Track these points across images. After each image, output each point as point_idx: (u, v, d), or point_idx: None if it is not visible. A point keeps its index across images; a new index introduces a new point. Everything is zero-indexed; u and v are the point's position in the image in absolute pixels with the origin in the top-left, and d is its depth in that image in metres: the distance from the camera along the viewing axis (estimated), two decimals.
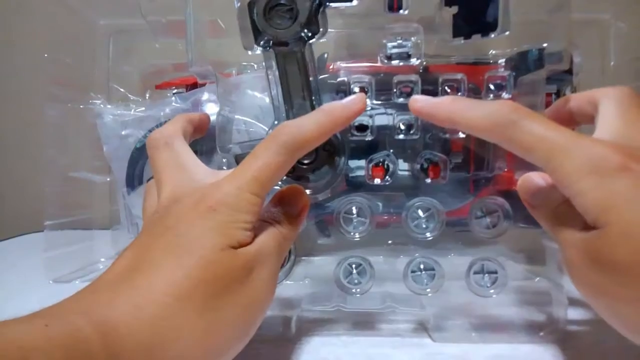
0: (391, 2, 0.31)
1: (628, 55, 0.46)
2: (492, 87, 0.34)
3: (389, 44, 0.32)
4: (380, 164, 0.34)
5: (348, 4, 0.30)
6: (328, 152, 0.31)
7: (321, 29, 0.30)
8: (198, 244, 0.22)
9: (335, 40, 0.35)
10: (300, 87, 0.31)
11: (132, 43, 0.50)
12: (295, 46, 0.30)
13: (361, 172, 0.35)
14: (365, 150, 0.35)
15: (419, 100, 0.27)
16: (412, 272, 0.33)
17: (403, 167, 0.35)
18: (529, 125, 0.23)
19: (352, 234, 0.34)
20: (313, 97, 0.32)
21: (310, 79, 0.31)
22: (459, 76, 0.34)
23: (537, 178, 0.27)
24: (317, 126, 0.25)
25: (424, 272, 0.33)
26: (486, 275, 0.32)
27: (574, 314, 0.32)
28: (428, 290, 0.33)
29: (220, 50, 0.38)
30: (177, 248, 0.22)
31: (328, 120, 0.26)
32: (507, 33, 0.31)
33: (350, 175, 0.36)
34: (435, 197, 0.34)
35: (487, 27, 0.31)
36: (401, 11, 0.31)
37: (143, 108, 0.45)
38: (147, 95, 0.49)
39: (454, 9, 0.31)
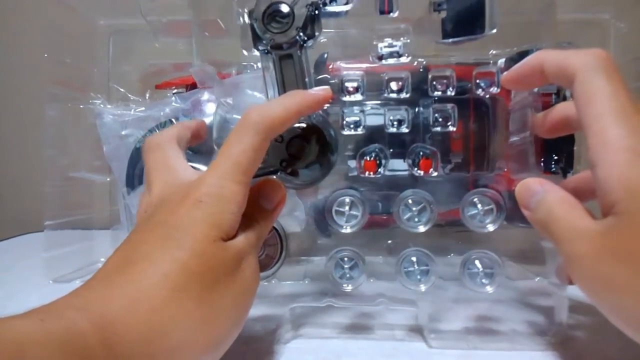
0: (382, 5, 0.33)
1: (628, 55, 0.45)
2: (481, 83, 0.34)
3: (380, 45, 0.34)
4: (372, 157, 0.35)
5: (343, 8, 0.32)
6: (320, 147, 0.31)
7: (316, 33, 0.31)
8: (189, 236, 0.23)
9: (335, 41, 0.36)
10: (296, 88, 0.31)
11: (132, 43, 0.50)
12: (292, 49, 0.31)
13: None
14: (360, 147, 0.35)
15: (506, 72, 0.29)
16: (405, 267, 0.33)
17: (402, 167, 0.35)
18: (598, 80, 0.23)
19: (344, 227, 0.34)
20: None
21: (306, 80, 0.32)
22: None
23: (535, 182, 0.27)
24: (283, 107, 0.27)
25: (417, 267, 0.33)
26: (480, 270, 0.32)
27: (575, 315, 0.32)
28: (422, 286, 0.33)
29: (221, 51, 0.38)
30: (170, 241, 0.23)
31: (294, 102, 0.27)
32: (494, 31, 0.33)
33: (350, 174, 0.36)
34: (434, 197, 0.34)
35: (474, 28, 0.33)
36: (391, 14, 0.33)
37: (143, 108, 0.45)
38: (147, 95, 0.49)
39: (443, 13, 0.33)
